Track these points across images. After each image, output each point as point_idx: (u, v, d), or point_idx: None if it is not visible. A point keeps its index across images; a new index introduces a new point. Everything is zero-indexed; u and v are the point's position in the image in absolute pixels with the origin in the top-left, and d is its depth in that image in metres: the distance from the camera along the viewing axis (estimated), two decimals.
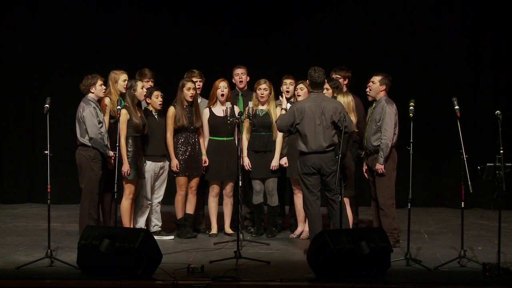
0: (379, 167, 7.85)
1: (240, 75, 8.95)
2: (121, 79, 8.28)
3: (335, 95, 7.99)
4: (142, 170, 8.26)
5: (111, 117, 8.23)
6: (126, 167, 8.06)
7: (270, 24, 11.05)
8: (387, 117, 7.85)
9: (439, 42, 10.94)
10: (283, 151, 8.54)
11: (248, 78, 9.00)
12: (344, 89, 8.48)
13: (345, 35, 11.02)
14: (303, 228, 8.54)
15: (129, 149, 8.14)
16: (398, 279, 6.55)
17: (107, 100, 8.20)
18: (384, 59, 10.84)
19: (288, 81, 8.66)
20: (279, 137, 8.52)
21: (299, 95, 8.31)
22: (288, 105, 8.52)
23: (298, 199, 8.53)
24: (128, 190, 8.17)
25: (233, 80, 8.97)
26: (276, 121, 8.01)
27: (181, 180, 8.53)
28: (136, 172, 8.16)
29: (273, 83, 8.65)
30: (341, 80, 8.40)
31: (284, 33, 11.10)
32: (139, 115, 8.23)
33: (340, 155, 7.27)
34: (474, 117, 10.56)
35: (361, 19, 11.01)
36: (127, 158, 8.10)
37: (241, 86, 8.99)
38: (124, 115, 8.08)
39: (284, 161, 8.50)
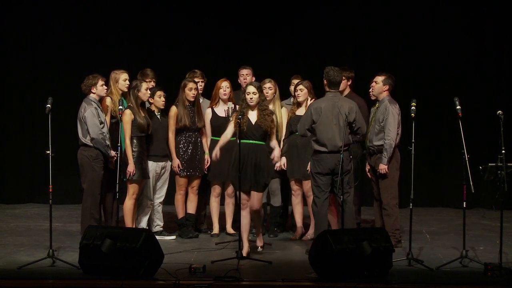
0: (383, 167, 7.83)
1: (245, 75, 8.91)
2: (121, 78, 8.28)
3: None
4: (147, 170, 8.26)
5: (112, 117, 8.23)
6: (131, 167, 8.05)
7: (271, 24, 11.03)
8: (390, 117, 7.84)
9: (440, 41, 10.92)
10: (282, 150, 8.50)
11: (254, 79, 8.97)
12: (348, 89, 8.50)
13: (347, 35, 11.01)
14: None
15: (134, 149, 8.14)
16: (399, 279, 6.54)
17: (108, 101, 8.21)
18: (386, 59, 10.82)
19: (296, 81, 8.62)
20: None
21: (299, 96, 8.31)
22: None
23: (296, 199, 8.53)
24: (132, 190, 8.16)
25: (238, 80, 8.95)
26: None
27: (181, 180, 8.52)
28: (141, 172, 8.15)
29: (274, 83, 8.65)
30: (344, 81, 8.39)
31: (286, 33, 11.09)
32: (143, 115, 8.23)
33: (342, 156, 7.26)
34: (476, 117, 10.54)
35: (362, 19, 10.99)
36: (132, 158, 8.10)
37: None
38: (128, 115, 8.07)
39: (283, 161, 8.44)
